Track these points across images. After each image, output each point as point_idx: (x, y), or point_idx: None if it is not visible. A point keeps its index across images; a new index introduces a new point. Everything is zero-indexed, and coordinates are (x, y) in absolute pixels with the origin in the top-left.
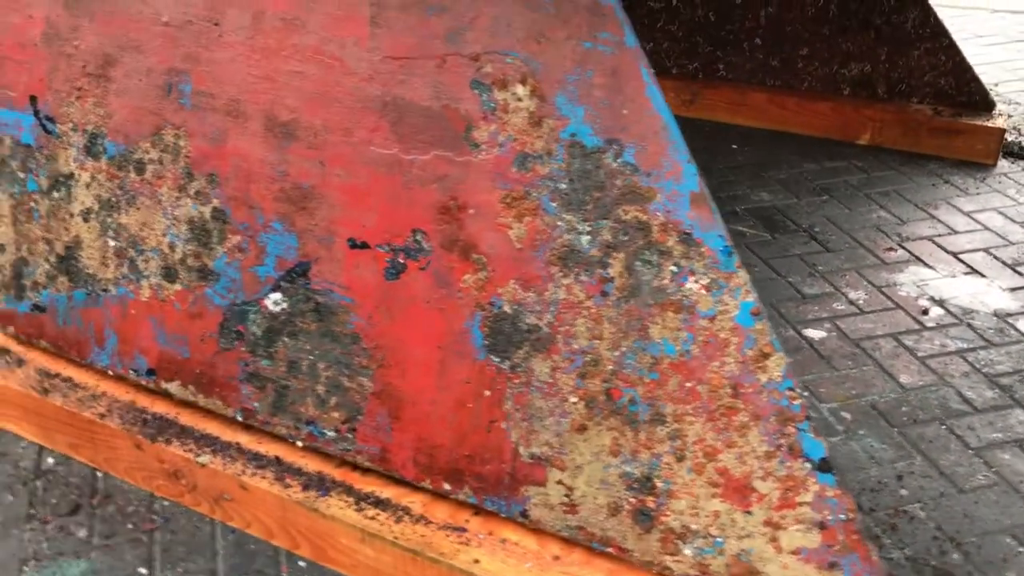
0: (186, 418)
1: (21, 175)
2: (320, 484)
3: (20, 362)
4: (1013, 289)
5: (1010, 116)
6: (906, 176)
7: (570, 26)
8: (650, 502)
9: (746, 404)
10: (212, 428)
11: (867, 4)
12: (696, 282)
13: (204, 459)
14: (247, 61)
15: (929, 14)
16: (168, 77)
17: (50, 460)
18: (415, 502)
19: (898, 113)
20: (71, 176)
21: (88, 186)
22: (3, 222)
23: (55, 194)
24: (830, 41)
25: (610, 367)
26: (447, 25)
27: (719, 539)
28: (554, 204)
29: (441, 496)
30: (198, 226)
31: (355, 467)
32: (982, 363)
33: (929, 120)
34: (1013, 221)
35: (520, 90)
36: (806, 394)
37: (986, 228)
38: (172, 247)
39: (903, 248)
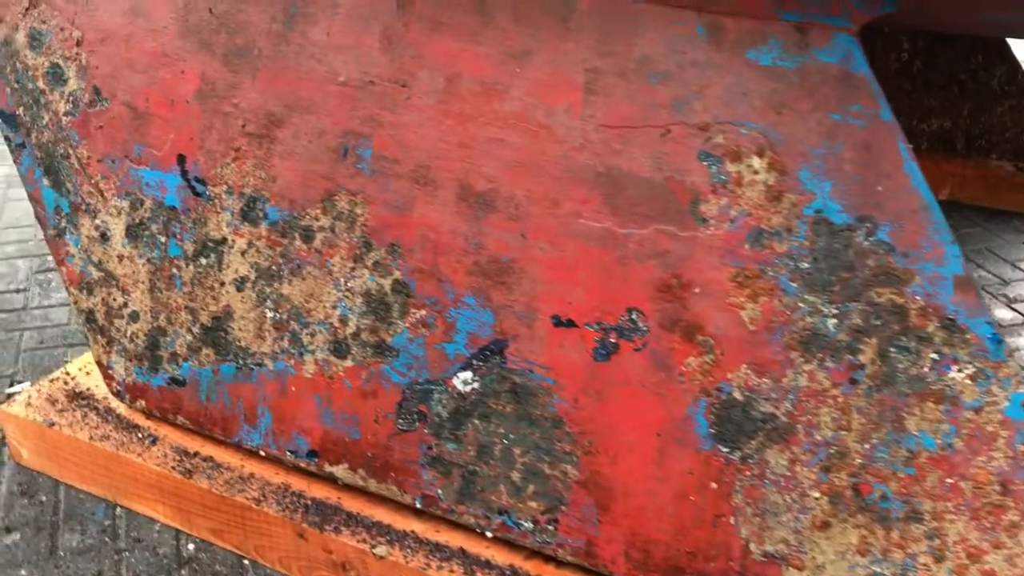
0: (350, 504)
1: (162, 239)
2: None
3: (153, 439)
4: None
5: None
6: (993, 233)
7: (816, 97)
8: None
9: (1017, 502)
10: (381, 515)
11: (954, 60)
12: (960, 371)
13: (381, 550)
14: (439, 126)
15: (1017, 71)
16: (344, 140)
17: (190, 546)
18: None
19: (978, 169)
20: (223, 242)
21: (244, 253)
22: (138, 288)
23: (202, 260)
24: (911, 96)
25: (859, 460)
26: (673, 93)
27: None
28: (794, 284)
29: None
30: (376, 299)
31: (548, 560)
32: None
33: (1011, 176)
34: None
35: (756, 162)
36: None
37: None
38: (344, 320)
39: (1014, 310)
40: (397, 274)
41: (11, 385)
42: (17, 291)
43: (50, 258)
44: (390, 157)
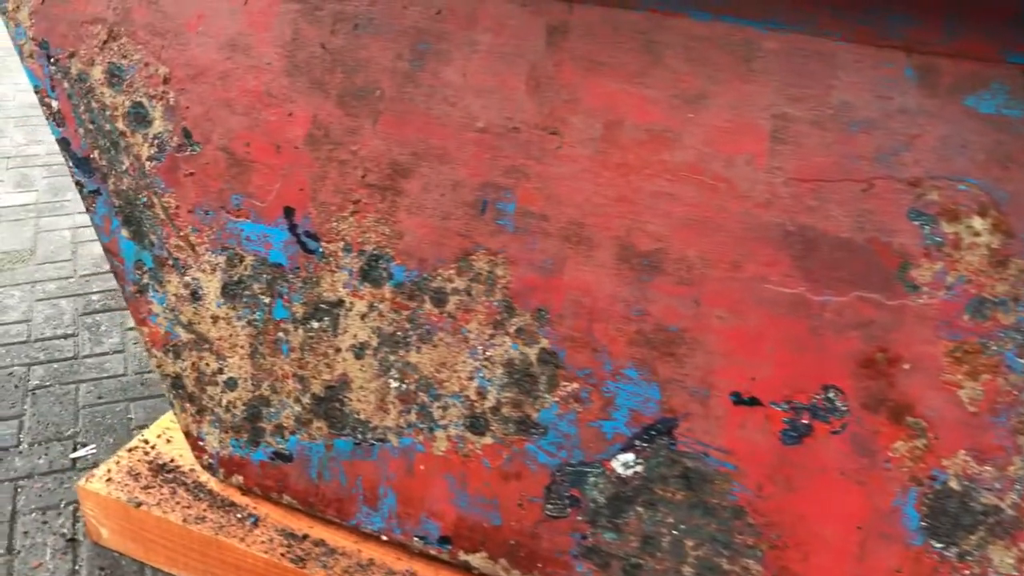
0: None
1: (266, 300)
2: None
3: (255, 520)
4: None
5: None
6: None
7: None
8: None
9: None
10: None
11: None
12: None
13: None
14: (595, 178)
15: None
16: (482, 193)
17: None
18: None
19: None
20: (339, 304)
21: (364, 317)
22: (236, 353)
23: (314, 324)
24: None
25: None
26: (876, 143)
27: None
28: (1022, 361)
29: None
30: (520, 370)
31: None
32: None
33: None
34: None
35: (977, 223)
36: None
37: None
38: (481, 393)
39: None
40: (544, 342)
41: (75, 449)
42: (65, 336)
43: (95, 297)
44: (537, 212)
